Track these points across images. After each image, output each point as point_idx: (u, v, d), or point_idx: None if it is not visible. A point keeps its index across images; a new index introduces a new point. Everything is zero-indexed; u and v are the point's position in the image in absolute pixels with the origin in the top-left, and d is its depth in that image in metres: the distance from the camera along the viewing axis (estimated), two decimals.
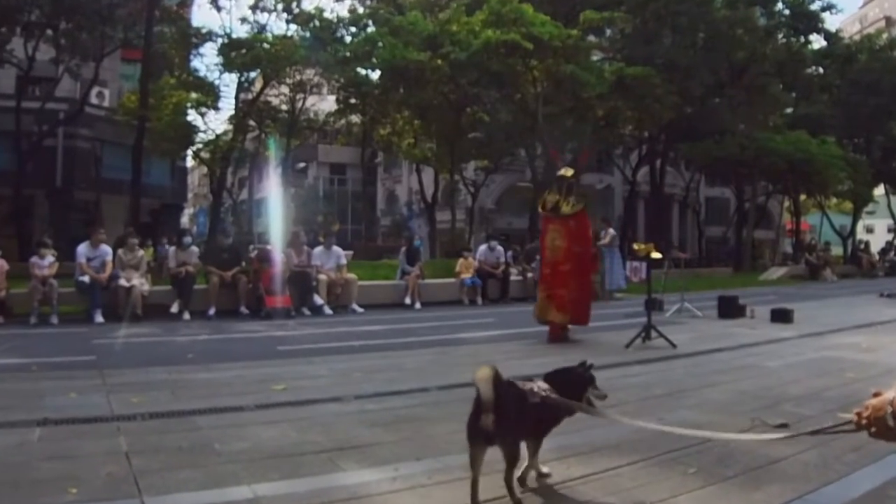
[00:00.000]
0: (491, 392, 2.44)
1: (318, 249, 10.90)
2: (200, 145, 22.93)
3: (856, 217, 32.21)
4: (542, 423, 2.71)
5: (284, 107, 26.27)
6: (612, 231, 13.42)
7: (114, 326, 8.12)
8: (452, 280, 12.22)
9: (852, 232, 31.84)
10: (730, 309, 9.37)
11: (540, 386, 2.70)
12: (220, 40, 22.29)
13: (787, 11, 26.15)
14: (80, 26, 17.79)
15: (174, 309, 9.38)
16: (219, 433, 3.51)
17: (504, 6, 19.10)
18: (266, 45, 21.37)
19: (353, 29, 25.13)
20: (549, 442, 3.35)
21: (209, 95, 21.95)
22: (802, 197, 33.23)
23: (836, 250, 28.19)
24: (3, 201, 20.00)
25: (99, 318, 8.68)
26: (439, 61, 19.57)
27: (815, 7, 26.19)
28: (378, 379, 5.02)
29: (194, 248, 10.32)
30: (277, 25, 52.56)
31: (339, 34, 25.16)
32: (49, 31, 18.15)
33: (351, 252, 15.56)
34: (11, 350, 6.35)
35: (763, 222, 33.67)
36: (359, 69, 23.23)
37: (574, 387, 2.77)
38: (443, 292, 11.78)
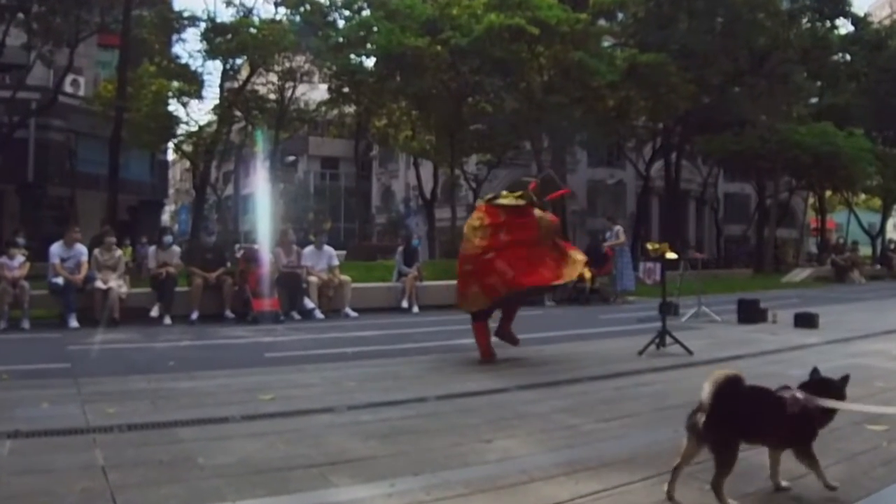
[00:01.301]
0: (710, 394, 2.60)
1: (309, 249, 10.90)
2: (182, 137, 22.91)
3: (885, 215, 32.19)
4: (797, 435, 2.76)
5: (273, 96, 26.25)
6: (617, 227, 13.42)
7: (89, 331, 8.12)
8: (453, 282, 12.21)
9: (881, 231, 31.84)
10: (750, 313, 9.37)
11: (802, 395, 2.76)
12: (203, 25, 22.29)
13: None
14: (53, 9, 17.77)
15: (154, 313, 9.38)
16: (202, 446, 3.51)
17: None
18: (253, 30, 21.35)
19: (347, 13, 25.11)
20: (557, 456, 3.36)
21: (192, 84, 21.92)
22: (828, 193, 33.24)
23: (865, 250, 28.18)
24: None
25: (73, 323, 8.68)
26: (439, 47, 19.56)
27: None
28: (373, 388, 5.03)
29: (176, 248, 10.32)
30: (265, 9, 52.58)
31: (331, 18, 25.16)
32: (20, 15, 18.13)
33: (344, 252, 15.58)
34: None
35: (786, 220, 33.67)
36: (352, 56, 23.20)
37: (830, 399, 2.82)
38: (443, 295, 11.75)
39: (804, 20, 26.55)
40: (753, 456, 3.35)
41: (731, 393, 2.63)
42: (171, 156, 31.54)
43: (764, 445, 2.85)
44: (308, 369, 5.80)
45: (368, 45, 21.83)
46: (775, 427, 2.71)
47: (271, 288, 9.81)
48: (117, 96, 18.12)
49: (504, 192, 6.43)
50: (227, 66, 23.32)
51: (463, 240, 6.38)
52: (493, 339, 6.50)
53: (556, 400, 4.65)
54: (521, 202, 6.19)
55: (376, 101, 24.55)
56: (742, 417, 2.67)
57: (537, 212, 6.19)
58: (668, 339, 6.69)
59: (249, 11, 24.00)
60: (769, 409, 2.70)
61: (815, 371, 2.91)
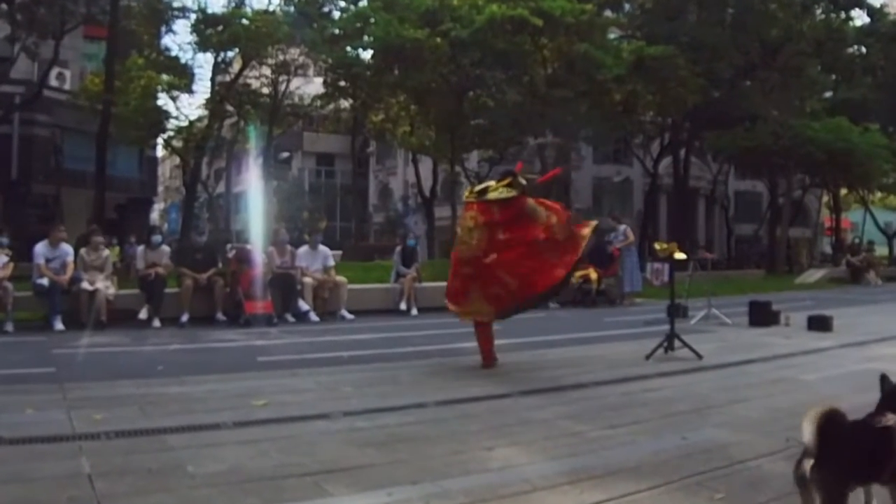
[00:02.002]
0: (813, 435, 2.37)
1: (303, 249, 10.90)
2: (172, 133, 22.93)
3: None
4: None
5: (266, 90, 26.27)
6: (623, 227, 13.37)
7: (76, 334, 8.12)
8: None
9: None
10: (762, 316, 9.38)
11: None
12: (193, 16, 22.31)
13: None
14: (37, 0, 17.77)
15: (143, 315, 9.38)
16: (192, 454, 3.51)
17: None
18: (245, 22, 21.37)
19: (343, 3, 25.16)
20: (561, 464, 3.37)
21: (182, 77, 21.95)
22: (843, 191, 33.27)
23: (881, 250, 28.20)
24: None
25: (59, 326, 8.68)
26: (438, 39, 19.57)
27: None
28: (370, 393, 5.03)
29: (165, 248, 10.32)
30: None
31: (326, 9, 25.21)
32: (3, 6, 18.14)
33: (340, 252, 15.57)
34: None
35: (799, 219, 33.72)
36: (349, 48, 23.21)
37: None
38: (442, 297, 11.68)
39: (818, 11, 26.54)
40: (766, 464, 3.36)
41: (835, 430, 2.42)
42: (160, 152, 31.54)
43: (876, 483, 2.61)
44: (302, 374, 5.80)
45: (365, 37, 21.82)
46: (887, 462, 2.49)
47: (264, 289, 9.81)
48: (104, 90, 18.10)
49: (493, 184, 6.29)
50: (219, 59, 23.34)
51: (458, 241, 6.31)
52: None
53: (560, 406, 4.66)
54: (513, 193, 6.05)
55: (373, 96, 24.55)
56: (852, 458, 2.45)
57: (530, 202, 6.09)
58: (677, 343, 6.68)
59: (242, 2, 24.06)
60: (878, 444, 2.49)
61: (884, 378, 2.74)
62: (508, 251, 6.00)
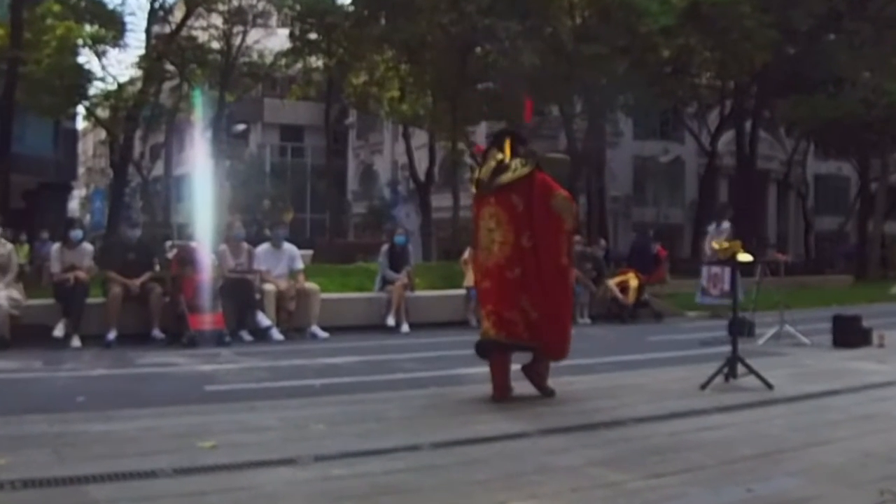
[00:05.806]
0: None
1: (264, 248, 10.93)
2: (97, 99, 22.98)
3: None
4: None
5: (216, 45, 26.31)
6: (726, 224, 13.10)
7: None
8: (454, 292, 12.22)
9: None
10: (849, 334, 9.38)
11: None
12: None
13: None
14: None
15: (58, 332, 9.38)
16: None
17: None
18: None
19: None
20: None
21: (109, 28, 21.98)
22: None
23: None
24: None
25: None
26: None
27: None
28: (348, 433, 5.03)
29: (87, 246, 10.33)
30: None
31: None
32: None
33: (310, 252, 15.58)
34: None
35: None
36: None
37: None
38: (440, 309, 11.79)
39: None
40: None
41: None
42: (81, 124, 31.61)
43: None
44: (262, 408, 5.80)
45: None
46: None
47: (214, 299, 9.82)
48: (10, 44, 18.13)
49: (498, 155, 6.13)
50: (156, 5, 23.37)
51: (478, 246, 6.26)
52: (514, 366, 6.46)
53: (592, 448, 4.66)
54: (527, 168, 5.96)
55: (353, 52, 24.59)
56: None
57: (559, 195, 5.99)
58: (741, 369, 6.68)
59: None
60: None
61: None
62: (535, 267, 5.94)
